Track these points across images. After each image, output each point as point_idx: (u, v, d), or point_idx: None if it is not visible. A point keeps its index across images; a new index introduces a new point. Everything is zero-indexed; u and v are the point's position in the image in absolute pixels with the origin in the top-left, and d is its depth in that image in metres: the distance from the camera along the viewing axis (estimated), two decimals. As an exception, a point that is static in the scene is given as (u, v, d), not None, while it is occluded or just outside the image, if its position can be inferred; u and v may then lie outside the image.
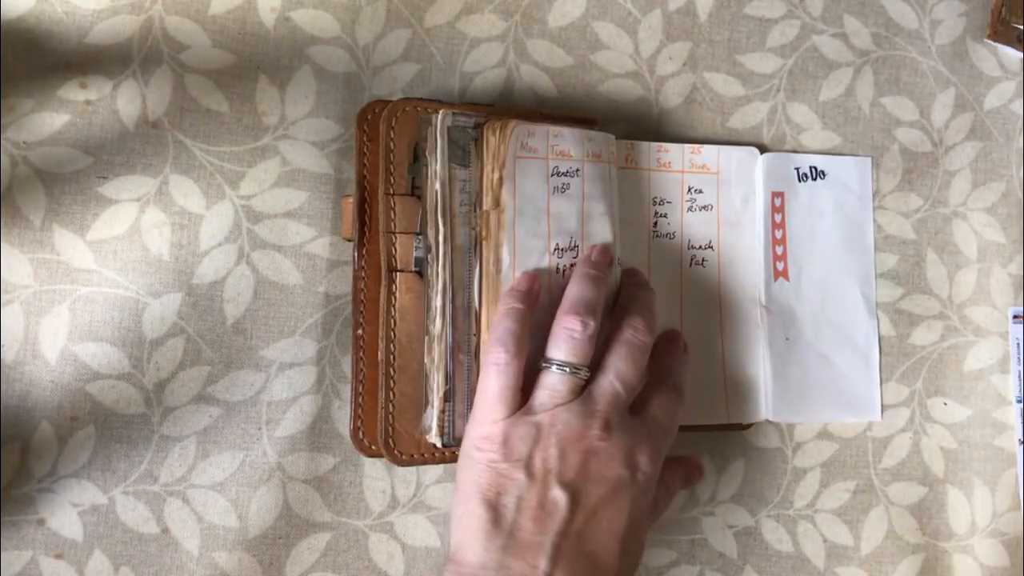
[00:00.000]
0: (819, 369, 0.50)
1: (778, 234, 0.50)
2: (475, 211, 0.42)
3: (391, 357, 0.42)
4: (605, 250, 0.43)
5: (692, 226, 0.49)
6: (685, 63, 0.51)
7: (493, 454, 0.37)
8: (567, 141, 0.43)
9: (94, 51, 0.44)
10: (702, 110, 0.51)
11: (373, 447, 0.43)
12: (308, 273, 0.46)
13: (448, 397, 0.41)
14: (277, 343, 0.45)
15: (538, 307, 0.41)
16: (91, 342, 0.43)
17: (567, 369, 0.38)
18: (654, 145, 0.48)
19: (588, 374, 0.39)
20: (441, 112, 0.42)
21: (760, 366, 0.49)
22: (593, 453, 0.37)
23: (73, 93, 0.44)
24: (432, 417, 0.41)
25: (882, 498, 0.51)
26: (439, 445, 0.41)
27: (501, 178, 0.41)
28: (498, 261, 0.41)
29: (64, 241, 0.43)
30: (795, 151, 0.52)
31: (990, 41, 0.54)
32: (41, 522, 0.42)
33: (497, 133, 0.42)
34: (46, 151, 0.44)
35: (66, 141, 0.44)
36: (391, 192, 0.43)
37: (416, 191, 0.43)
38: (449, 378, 0.41)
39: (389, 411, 0.42)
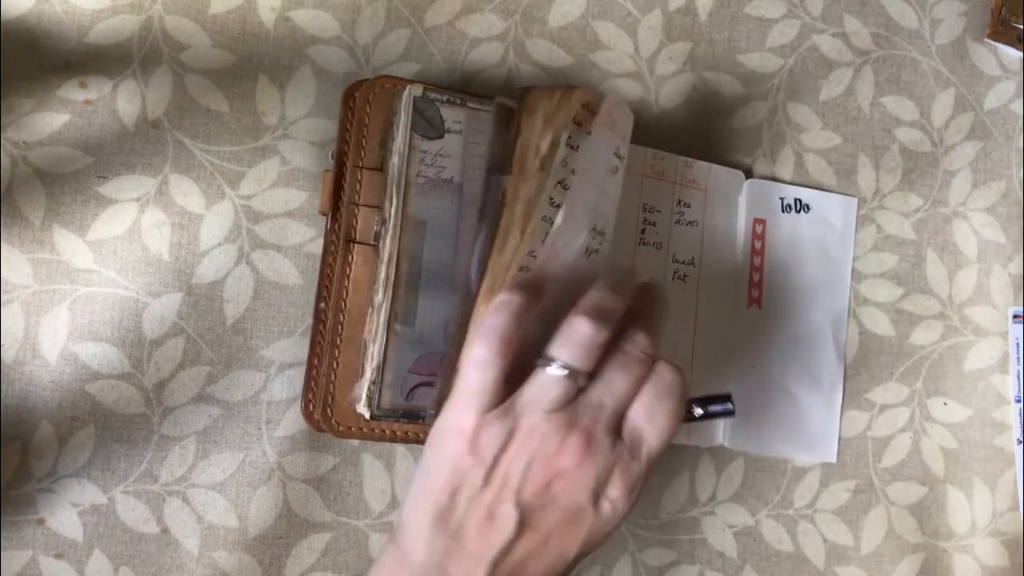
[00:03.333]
0: (781, 403, 0.50)
1: (756, 261, 0.50)
2: (493, 176, 0.41)
3: (339, 327, 0.42)
4: (635, 269, 0.42)
5: (678, 239, 0.48)
6: (685, 63, 0.51)
7: (460, 448, 0.35)
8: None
9: (94, 51, 0.44)
10: (702, 110, 0.51)
11: (320, 419, 0.42)
12: (308, 273, 0.46)
13: (380, 368, 0.41)
14: (277, 343, 0.45)
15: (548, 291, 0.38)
16: (91, 342, 0.43)
17: (566, 372, 0.35)
18: (649, 151, 0.48)
19: (585, 383, 0.36)
20: (410, 86, 0.42)
21: (723, 390, 0.48)
22: (560, 476, 0.34)
23: (73, 93, 0.44)
24: (363, 387, 0.41)
25: (882, 498, 0.51)
26: (367, 416, 0.41)
27: (554, 141, 0.40)
28: (526, 223, 0.39)
29: (64, 241, 0.43)
30: (796, 151, 0.52)
31: (990, 41, 0.54)
32: (41, 522, 0.42)
33: (555, 99, 0.41)
34: (46, 151, 0.44)
35: (66, 141, 0.44)
36: (360, 165, 0.43)
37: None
38: (383, 349, 0.41)
39: (331, 380, 0.41)
